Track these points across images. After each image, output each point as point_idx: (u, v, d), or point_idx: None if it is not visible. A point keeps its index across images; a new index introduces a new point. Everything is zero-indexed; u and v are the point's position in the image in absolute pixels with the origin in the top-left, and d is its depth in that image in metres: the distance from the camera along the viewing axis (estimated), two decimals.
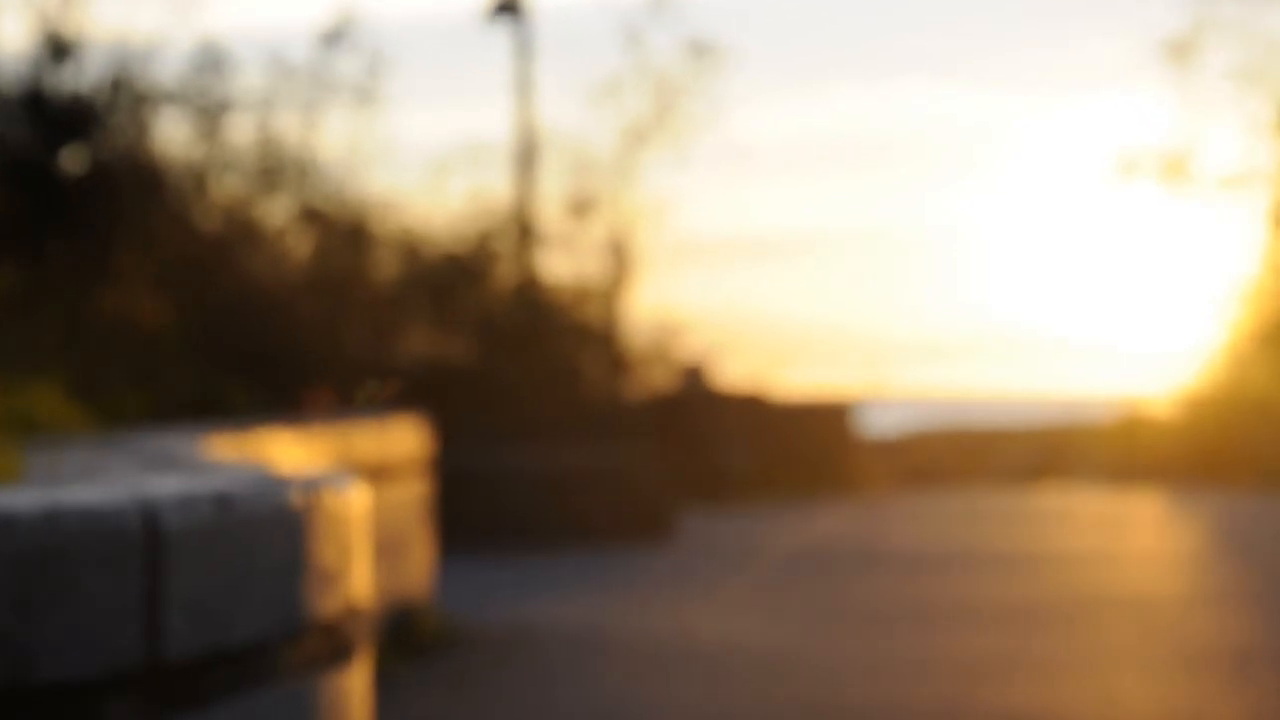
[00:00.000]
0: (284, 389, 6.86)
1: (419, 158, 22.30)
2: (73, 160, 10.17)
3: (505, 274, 17.60)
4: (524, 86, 17.50)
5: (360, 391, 9.11)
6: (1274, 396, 16.36)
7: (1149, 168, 18.07)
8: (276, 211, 11.41)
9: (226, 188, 11.29)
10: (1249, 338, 18.01)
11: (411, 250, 16.64)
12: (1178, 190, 18.01)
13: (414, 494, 6.36)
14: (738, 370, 18.43)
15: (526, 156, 17.75)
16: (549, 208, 18.61)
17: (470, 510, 10.35)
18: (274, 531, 2.01)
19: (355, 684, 2.27)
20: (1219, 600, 7.15)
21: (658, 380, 18.29)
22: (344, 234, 12.12)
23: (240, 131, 11.63)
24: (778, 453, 15.29)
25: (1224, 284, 18.28)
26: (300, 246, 11.35)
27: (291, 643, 2.06)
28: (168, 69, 11.58)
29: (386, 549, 5.89)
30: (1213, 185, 17.89)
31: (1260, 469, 15.63)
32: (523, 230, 17.53)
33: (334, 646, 2.21)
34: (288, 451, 4.82)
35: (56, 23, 10.29)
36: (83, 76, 10.47)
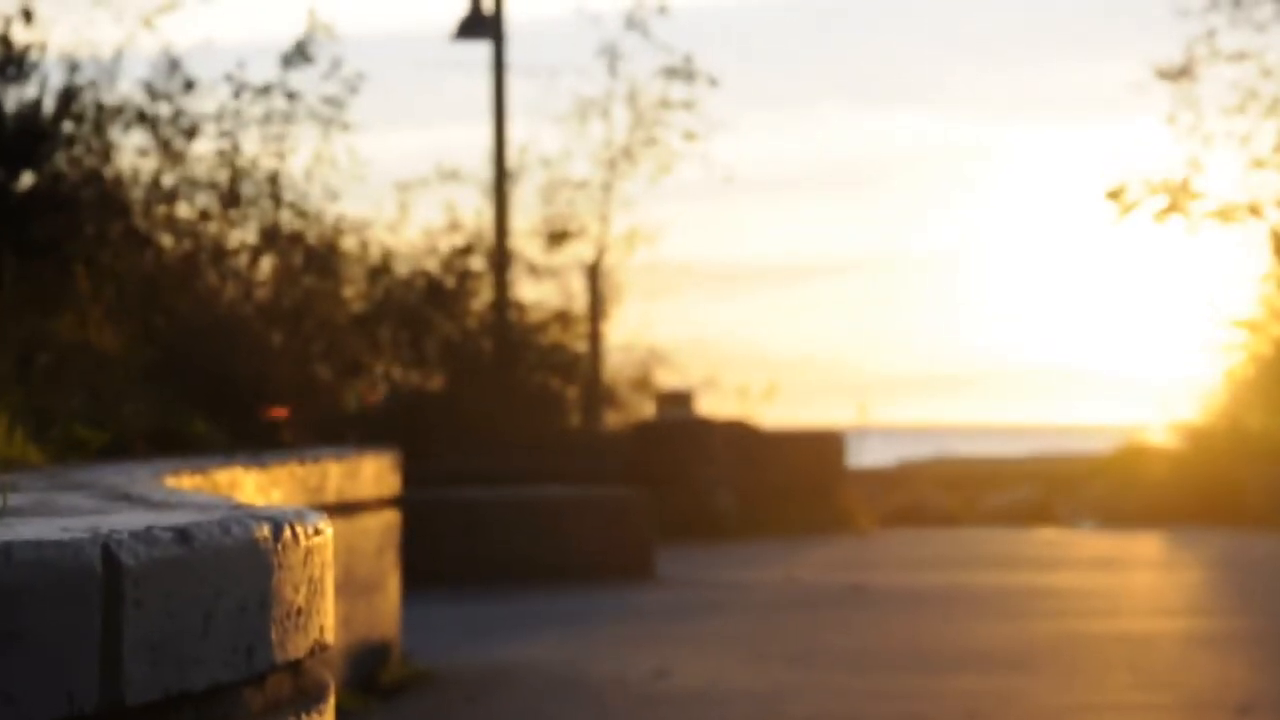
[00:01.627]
0: (249, 420, 6.85)
1: (390, 179, 22.31)
2: (27, 179, 10.16)
3: (479, 299, 17.61)
4: (499, 108, 17.52)
5: (327, 422, 9.11)
6: (1276, 430, 16.40)
7: (1147, 196, 18.14)
8: (242, 233, 11.42)
9: (189, 208, 11.29)
10: (1249, 368, 18.07)
11: (382, 272, 16.64)
12: (1176, 219, 18.09)
13: (383, 530, 6.36)
14: (724, 401, 18.45)
15: (501, 179, 17.76)
16: (526, 232, 18.63)
17: (442, 547, 10.34)
18: (238, 569, 2.02)
19: None
20: (1219, 643, 7.17)
21: (639, 411, 18.30)
22: (312, 256, 12.12)
23: (204, 150, 11.64)
24: (764, 486, 15.29)
25: (1224, 313, 18.34)
26: (266, 270, 11.35)
27: (256, 684, 2.06)
28: (128, 86, 11.59)
29: (355, 587, 5.89)
30: (1212, 214, 17.96)
31: (1261, 506, 15.67)
32: (498, 254, 17.54)
33: (300, 688, 2.21)
34: (252, 486, 4.82)
35: (9, 36, 10.29)
36: (38, 92, 10.47)
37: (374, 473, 6.23)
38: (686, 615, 8.60)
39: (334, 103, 12.29)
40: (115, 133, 11.16)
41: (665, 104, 18.24)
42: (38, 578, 1.77)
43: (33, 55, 10.52)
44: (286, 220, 11.80)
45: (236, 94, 11.79)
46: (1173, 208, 18.08)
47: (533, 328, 17.80)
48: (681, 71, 18.15)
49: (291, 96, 12.01)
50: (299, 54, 12.15)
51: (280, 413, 7.33)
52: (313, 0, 13.23)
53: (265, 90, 11.93)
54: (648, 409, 18.30)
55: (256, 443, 6.15)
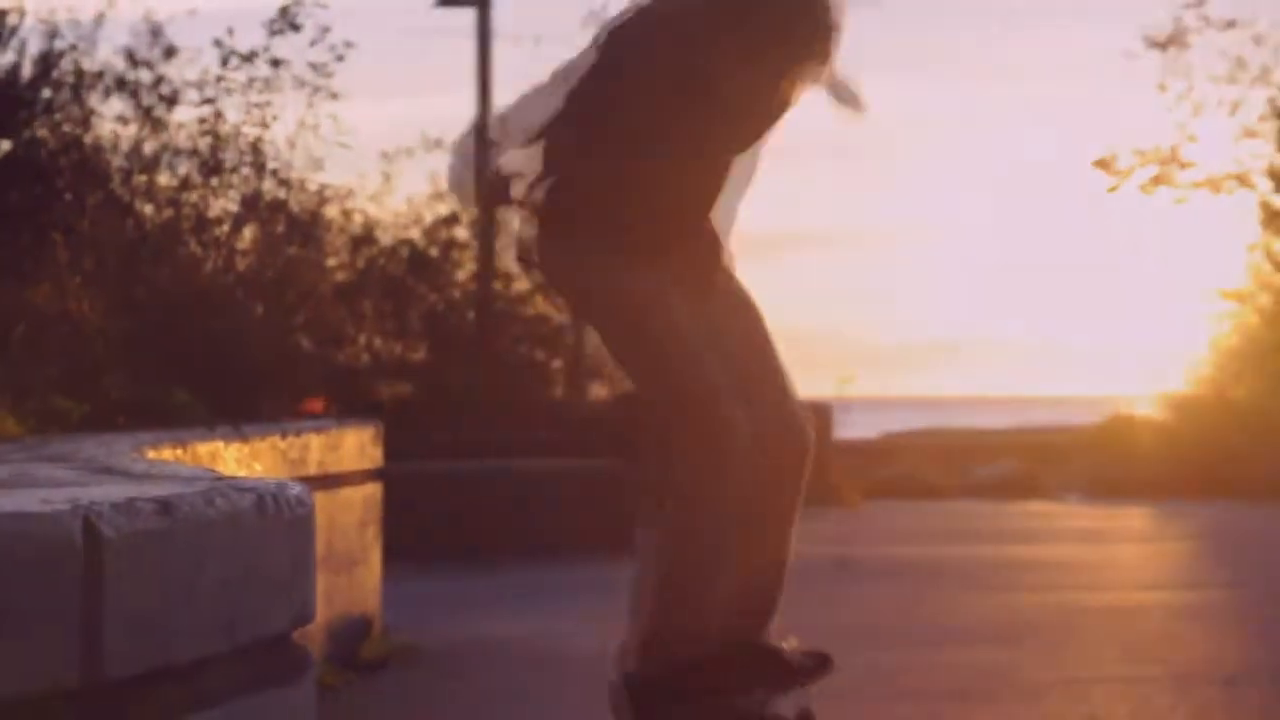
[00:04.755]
0: (230, 392, 6.84)
1: (374, 148, 22.27)
2: (4, 146, 10.12)
3: (463, 269, 17.58)
4: (484, 76, 17.47)
5: (309, 395, 9.10)
6: (1263, 402, 16.44)
7: (1136, 165, 18.14)
8: (223, 202, 11.38)
9: (170, 177, 11.25)
10: (1237, 339, 18.10)
11: (366, 242, 16.62)
12: (1164, 188, 18.09)
13: (365, 503, 6.35)
14: None
15: (486, 148, 17.69)
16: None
17: (424, 520, 10.34)
18: (221, 541, 2.01)
19: (302, 700, 2.27)
20: (1207, 615, 7.19)
21: (624, 383, 18.29)
22: (295, 226, 12.09)
23: (186, 118, 11.59)
24: None
25: (1213, 284, 18.36)
26: (248, 239, 11.32)
27: (238, 658, 2.06)
28: (109, 52, 11.54)
29: (336, 561, 5.88)
30: (1200, 183, 17.97)
31: (1249, 478, 15.71)
32: (482, 224, 17.50)
33: (282, 661, 2.20)
34: (233, 458, 4.82)
35: None
36: (15, 58, 10.42)
37: (356, 445, 6.22)
38: None
39: (320, 70, 12.25)
40: (95, 100, 11.12)
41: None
42: (17, 550, 1.77)
43: (10, 20, 10.48)
44: (269, 189, 11.77)
45: (225, 61, 11.75)
46: (1161, 177, 18.09)
47: (517, 298, 17.79)
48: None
49: (277, 64, 11.97)
50: (285, 20, 12.11)
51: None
52: None
53: (250, 57, 11.89)
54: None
55: (238, 414, 6.15)
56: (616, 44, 4.22)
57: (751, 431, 4.06)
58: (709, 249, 4.19)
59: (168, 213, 10.96)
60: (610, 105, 4.15)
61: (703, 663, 4.07)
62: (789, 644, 4.18)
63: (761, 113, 4.19)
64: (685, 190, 4.14)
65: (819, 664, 4.19)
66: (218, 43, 11.83)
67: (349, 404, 10.96)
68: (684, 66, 4.12)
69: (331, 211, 14.87)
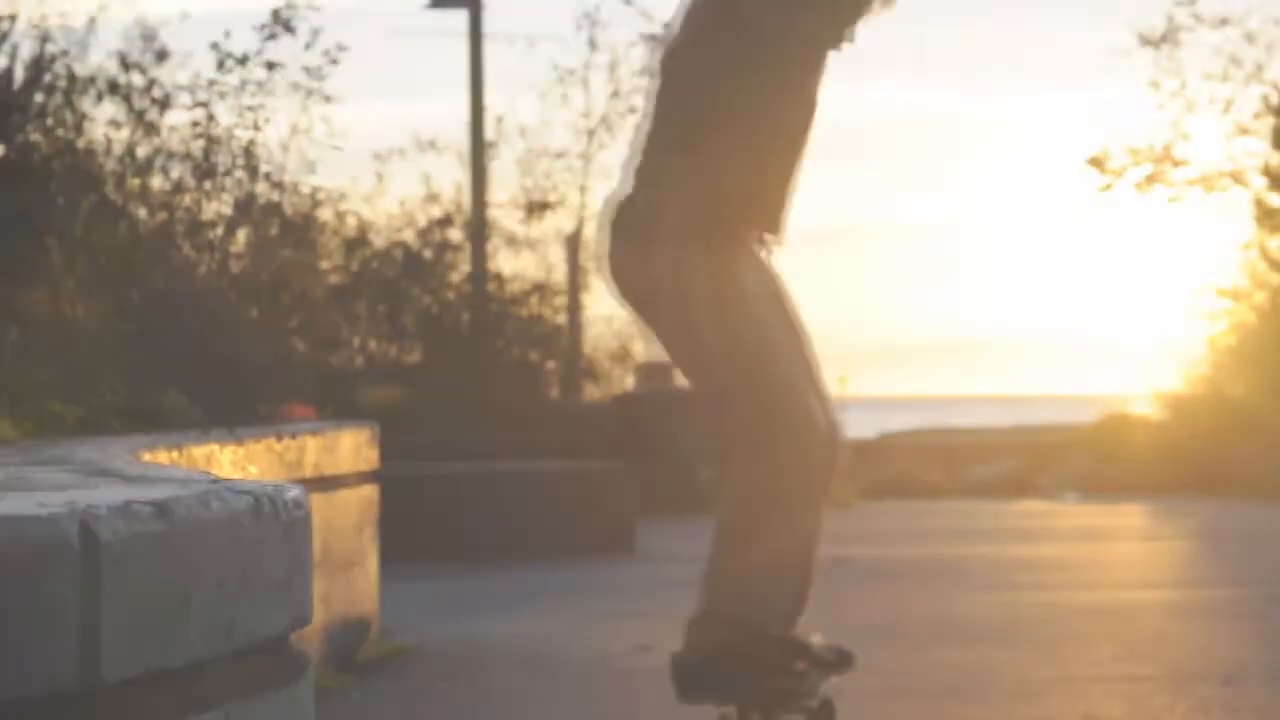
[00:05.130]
0: (225, 395, 6.84)
1: (367, 150, 22.25)
2: None
3: (458, 271, 17.58)
4: (476, 78, 17.46)
5: (304, 398, 9.10)
6: (1259, 401, 16.45)
7: (1129, 163, 18.15)
8: (217, 205, 11.38)
9: (164, 180, 11.24)
10: (1232, 337, 18.11)
11: (360, 244, 16.62)
12: (1158, 187, 18.11)
13: (361, 505, 6.35)
14: None
15: (480, 150, 17.71)
16: (504, 203, 18.59)
17: (420, 522, 10.34)
18: (218, 544, 2.01)
19: (300, 702, 2.27)
20: (1203, 614, 7.19)
21: (619, 383, 18.29)
22: (288, 228, 12.09)
23: (178, 121, 11.59)
24: None
25: (1207, 282, 18.37)
26: (242, 242, 11.32)
27: (236, 661, 2.06)
28: (101, 56, 11.53)
29: (333, 563, 5.88)
30: (1194, 181, 17.99)
31: (1244, 476, 15.72)
32: (476, 225, 17.50)
33: (279, 664, 2.21)
34: (228, 461, 4.82)
35: None
36: (8, 62, 10.41)
37: (352, 447, 6.22)
38: (667, 590, 8.62)
39: (314, 73, 12.25)
40: (88, 104, 11.11)
41: (645, 72, 18.22)
42: (14, 554, 1.77)
43: (2, 25, 10.48)
44: (262, 192, 11.77)
45: (220, 65, 11.75)
46: (1155, 176, 18.11)
47: (511, 299, 17.79)
48: (661, 40, 18.14)
49: (271, 67, 11.96)
50: (278, 23, 12.10)
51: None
52: None
53: (244, 60, 11.89)
54: (628, 381, 18.29)
55: (234, 417, 6.14)
56: (672, 55, 4.37)
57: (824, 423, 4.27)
58: (779, 238, 4.33)
59: (161, 216, 10.96)
60: (679, 105, 4.26)
61: (740, 649, 4.30)
62: (816, 639, 4.43)
63: (817, 61, 4.30)
64: (761, 176, 4.23)
65: (843, 659, 4.46)
66: (214, 46, 11.83)
67: (343, 408, 10.94)
68: (745, 36, 4.23)
69: (325, 214, 14.87)
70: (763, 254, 4.29)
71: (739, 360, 4.19)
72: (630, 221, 4.22)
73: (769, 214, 4.26)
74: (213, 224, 11.17)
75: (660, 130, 4.26)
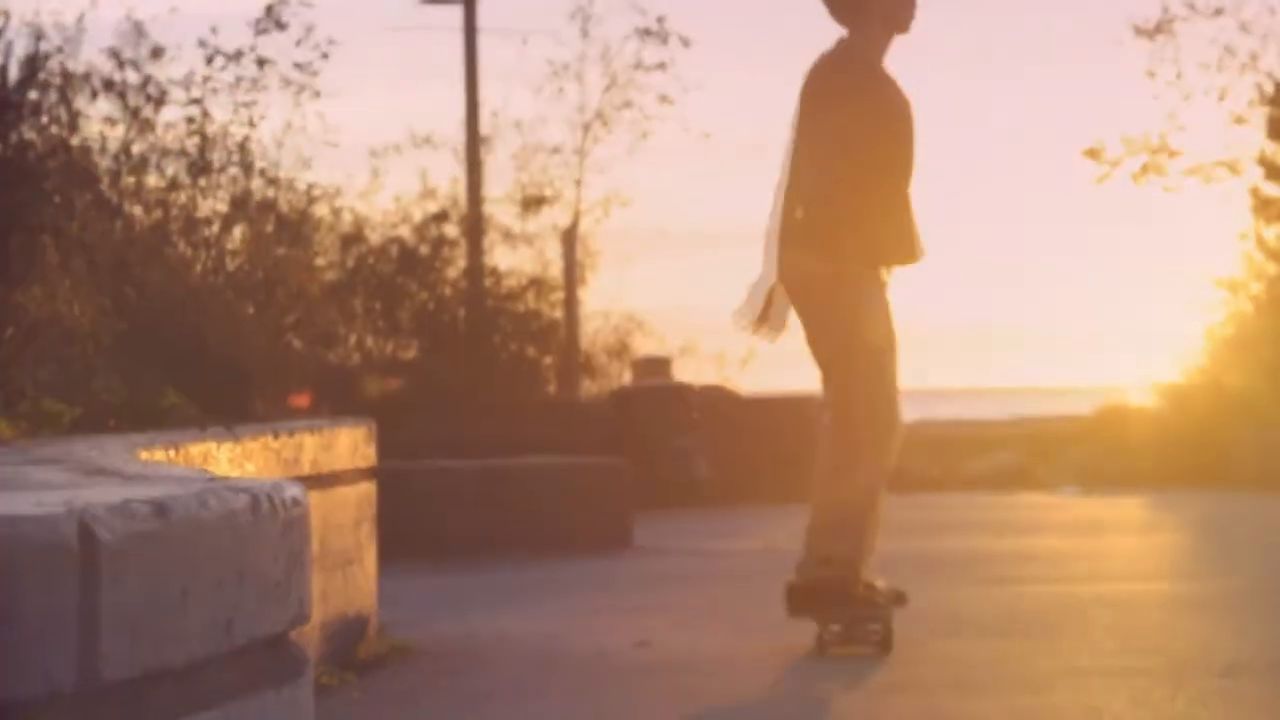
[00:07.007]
0: (222, 392, 6.84)
1: (362, 146, 22.26)
2: None
3: (454, 266, 17.58)
4: (471, 73, 17.46)
5: (302, 395, 9.10)
6: (1258, 391, 16.46)
7: (1125, 154, 18.15)
8: (212, 202, 11.37)
9: (159, 178, 11.23)
10: (1230, 328, 18.11)
11: (355, 240, 16.61)
12: (1154, 177, 18.11)
13: (359, 502, 6.35)
14: (702, 367, 18.45)
15: (475, 144, 17.71)
16: (500, 198, 18.59)
17: (418, 518, 10.34)
18: (216, 542, 2.01)
19: (300, 700, 2.27)
20: (1204, 606, 7.20)
21: (616, 378, 18.30)
22: (284, 225, 12.09)
23: (173, 118, 11.59)
24: (743, 454, 15.31)
25: (1206, 273, 18.38)
26: (237, 239, 11.32)
27: (235, 659, 2.06)
28: (94, 53, 11.53)
29: (331, 560, 5.88)
30: (1190, 171, 17.99)
31: (1243, 467, 15.73)
32: (472, 220, 17.51)
33: (278, 662, 2.21)
34: (226, 459, 4.81)
35: None
36: (1, 60, 10.41)
37: (349, 444, 6.22)
38: (665, 585, 8.62)
39: (306, 69, 12.25)
40: (82, 101, 11.11)
41: (639, 66, 18.22)
42: (13, 553, 1.77)
43: None
44: (257, 189, 11.76)
45: (210, 60, 11.74)
46: (1151, 166, 18.10)
47: (508, 295, 17.79)
48: (655, 33, 18.12)
49: (263, 63, 11.96)
50: (271, 19, 12.10)
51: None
52: None
53: (236, 56, 11.88)
54: (625, 376, 18.30)
55: (231, 415, 6.14)
56: (799, 127, 6.07)
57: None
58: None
59: (157, 214, 10.96)
60: (814, 160, 6.01)
61: (830, 582, 6.02)
62: (880, 581, 6.17)
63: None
64: (890, 210, 5.99)
65: (900, 596, 6.22)
66: (202, 42, 11.83)
67: (341, 404, 10.94)
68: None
69: (321, 210, 14.86)
70: (884, 274, 6.09)
71: (852, 345, 5.93)
72: (798, 235, 5.95)
73: (904, 249, 6.12)
74: (208, 221, 11.17)
75: (813, 167, 6.01)
